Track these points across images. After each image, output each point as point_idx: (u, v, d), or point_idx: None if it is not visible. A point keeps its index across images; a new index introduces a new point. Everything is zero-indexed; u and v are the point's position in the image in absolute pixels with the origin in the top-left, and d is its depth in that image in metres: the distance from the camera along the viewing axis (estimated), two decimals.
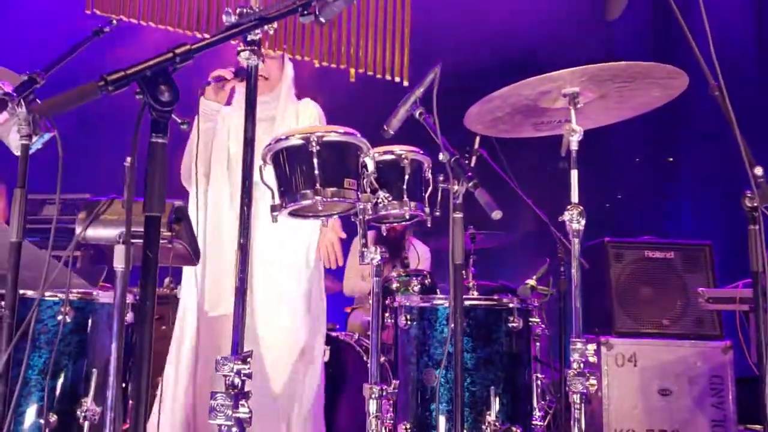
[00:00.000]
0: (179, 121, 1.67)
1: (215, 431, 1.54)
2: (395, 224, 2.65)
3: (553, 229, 3.88)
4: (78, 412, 2.58)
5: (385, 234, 2.69)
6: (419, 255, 4.58)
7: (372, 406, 2.18)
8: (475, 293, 4.02)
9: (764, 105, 5.20)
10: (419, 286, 3.95)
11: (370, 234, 4.06)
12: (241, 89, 3.01)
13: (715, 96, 2.02)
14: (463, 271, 4.37)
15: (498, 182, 4.11)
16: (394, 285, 3.95)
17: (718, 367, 3.84)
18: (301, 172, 2.16)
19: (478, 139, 3.92)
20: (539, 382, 2.76)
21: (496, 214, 1.91)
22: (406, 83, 2.19)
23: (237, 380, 1.52)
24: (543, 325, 2.88)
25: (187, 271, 2.81)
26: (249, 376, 1.53)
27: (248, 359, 1.53)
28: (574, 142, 2.26)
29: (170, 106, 1.31)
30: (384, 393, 2.21)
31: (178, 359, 2.82)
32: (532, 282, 2.90)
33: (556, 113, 2.45)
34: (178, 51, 1.33)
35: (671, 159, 6.37)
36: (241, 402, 1.51)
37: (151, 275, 1.30)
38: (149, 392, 1.29)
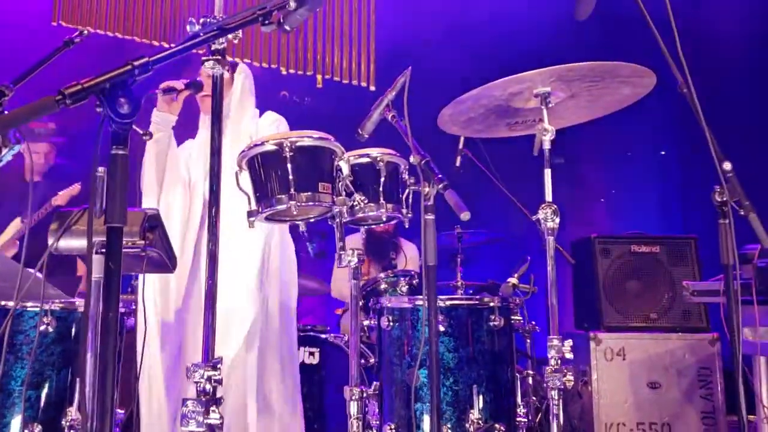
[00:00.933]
0: (141, 132, 1.69)
1: None
2: (377, 226, 2.66)
3: (539, 227, 3.90)
4: (63, 422, 2.59)
5: (367, 235, 2.70)
6: (407, 255, 4.59)
7: (353, 408, 2.19)
8: (461, 293, 4.06)
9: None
10: (407, 286, 3.96)
11: (357, 235, 4.06)
12: (204, 128, 3.12)
13: (683, 93, 2.04)
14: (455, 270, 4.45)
15: (485, 181, 4.14)
16: (382, 286, 3.96)
17: (706, 358, 3.86)
18: (275, 178, 2.17)
19: (462, 138, 3.94)
20: (530, 379, 2.78)
21: (465, 216, 1.93)
22: (372, 88, 2.20)
23: (208, 386, 1.53)
24: (533, 322, 2.89)
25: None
26: (220, 382, 1.55)
27: (219, 366, 1.54)
28: (546, 141, 2.28)
29: (130, 119, 1.32)
30: (364, 395, 2.22)
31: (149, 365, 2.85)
32: (513, 280, 2.91)
33: (529, 113, 2.47)
34: (136, 63, 1.35)
35: (663, 153, 6.38)
36: (212, 408, 1.52)
37: (114, 286, 1.31)
38: (114, 402, 1.31)
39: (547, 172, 2.26)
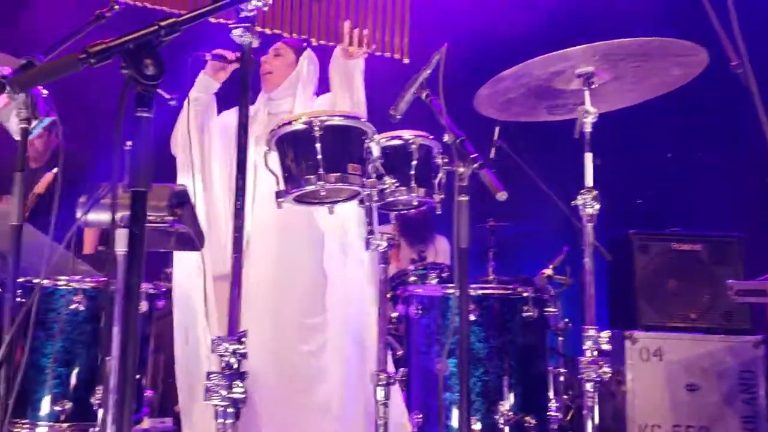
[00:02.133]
0: (167, 96, 1.67)
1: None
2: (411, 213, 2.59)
3: (575, 220, 3.80)
4: (92, 400, 2.60)
5: (401, 225, 2.65)
6: (437, 248, 4.53)
7: (379, 393, 2.14)
8: None
9: None
10: (437, 279, 3.90)
11: (389, 226, 4.01)
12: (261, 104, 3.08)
13: (738, 73, 1.94)
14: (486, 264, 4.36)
15: (519, 173, 4.04)
16: (411, 278, 3.90)
17: (749, 362, 3.71)
18: (304, 158, 2.13)
19: (497, 129, 3.86)
20: (561, 377, 2.70)
21: (501, 195, 1.86)
22: (407, 60, 2.13)
23: (233, 360, 1.50)
24: (566, 319, 2.81)
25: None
26: (244, 356, 1.51)
27: (243, 339, 1.51)
28: (588, 124, 2.20)
29: (155, 80, 1.29)
30: (391, 380, 2.17)
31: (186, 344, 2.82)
32: (548, 271, 2.83)
33: (570, 96, 2.39)
34: (163, 23, 1.31)
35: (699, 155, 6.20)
36: (236, 382, 1.49)
37: (138, 254, 1.28)
38: (135, 373, 1.28)
39: (588, 156, 2.18)
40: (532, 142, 3.96)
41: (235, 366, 1.52)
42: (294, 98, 3.01)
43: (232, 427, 1.51)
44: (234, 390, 1.49)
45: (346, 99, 2.62)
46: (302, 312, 2.89)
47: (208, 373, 1.51)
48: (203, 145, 2.97)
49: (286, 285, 2.90)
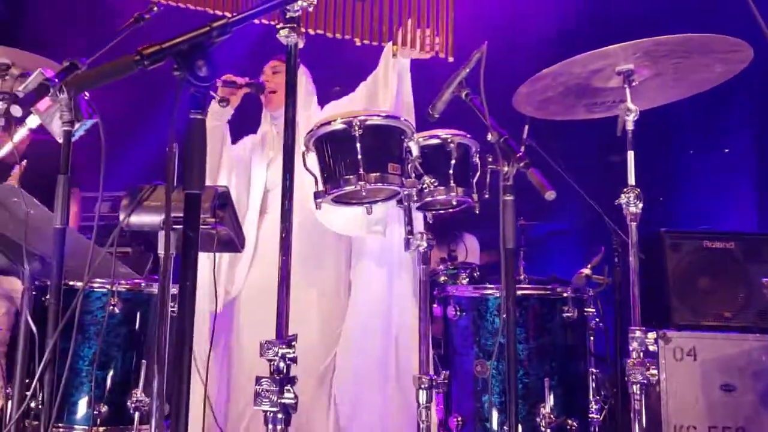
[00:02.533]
0: (218, 98, 1.64)
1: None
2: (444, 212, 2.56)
3: (607, 219, 3.76)
4: (128, 403, 2.60)
5: (431, 222, 2.60)
6: (467, 247, 4.49)
7: (422, 396, 2.11)
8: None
9: None
10: (468, 279, 3.86)
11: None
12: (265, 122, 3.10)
13: None
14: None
15: (548, 171, 4.00)
16: (442, 278, 3.87)
17: None
18: (343, 158, 2.11)
19: (527, 128, 3.81)
20: (593, 376, 2.66)
21: (550, 195, 1.82)
22: (451, 59, 2.10)
23: (282, 365, 1.48)
24: (597, 318, 2.77)
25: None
26: (294, 360, 1.49)
27: (293, 343, 1.48)
28: (629, 121, 2.16)
29: (208, 82, 1.28)
30: (433, 383, 2.14)
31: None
32: (586, 271, 2.79)
33: (610, 93, 2.35)
34: (215, 24, 1.30)
35: (727, 150, 6.11)
36: (286, 387, 1.46)
37: (192, 256, 1.26)
38: (189, 374, 1.26)
39: (630, 155, 2.14)
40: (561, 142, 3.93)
41: (285, 371, 1.49)
42: (305, 111, 2.99)
43: None
44: (285, 395, 1.46)
45: (391, 98, 2.58)
46: (324, 316, 2.88)
47: (258, 378, 1.49)
48: (217, 168, 3.01)
49: (308, 291, 2.88)
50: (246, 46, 4.07)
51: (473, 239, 4.65)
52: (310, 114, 2.97)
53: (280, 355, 1.48)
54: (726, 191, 5.89)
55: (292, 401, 1.46)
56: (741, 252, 3.86)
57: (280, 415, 1.47)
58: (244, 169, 3.13)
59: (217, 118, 2.99)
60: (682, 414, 3.65)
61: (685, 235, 3.94)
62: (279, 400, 1.46)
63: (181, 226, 1.29)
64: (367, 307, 2.83)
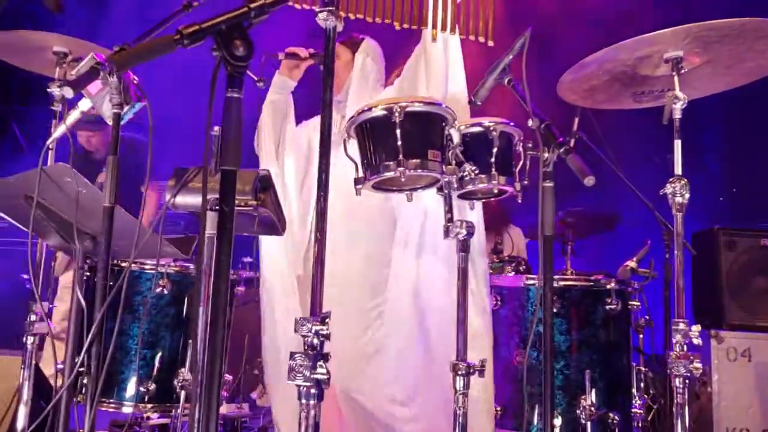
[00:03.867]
0: (255, 78, 1.68)
1: None
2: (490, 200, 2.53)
3: (657, 213, 3.67)
4: (175, 382, 2.68)
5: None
6: (514, 241, 4.45)
7: (459, 383, 2.11)
8: None
9: None
10: (514, 273, 3.83)
11: None
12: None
13: None
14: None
15: (596, 166, 3.93)
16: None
17: None
18: (384, 144, 2.11)
19: (576, 120, 3.76)
20: (642, 375, 2.61)
21: (589, 180, 1.80)
22: (491, 43, 2.09)
23: (315, 341, 1.51)
24: (647, 316, 2.72)
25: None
26: (327, 337, 1.51)
27: (327, 320, 1.51)
28: (677, 110, 2.11)
29: (245, 61, 1.31)
30: (472, 370, 2.13)
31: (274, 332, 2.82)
32: (632, 263, 2.73)
33: (657, 82, 2.30)
34: (252, 5, 1.33)
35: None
36: (319, 363, 1.49)
37: (227, 232, 1.30)
38: (225, 355, 1.29)
39: (677, 144, 2.09)
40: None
41: (318, 347, 1.52)
42: (346, 103, 2.96)
43: (316, 407, 1.51)
44: (317, 370, 1.49)
45: (438, 85, 2.55)
46: (363, 299, 2.86)
47: (292, 353, 1.52)
48: (278, 147, 3.00)
49: (350, 273, 2.87)
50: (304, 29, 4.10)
51: (519, 232, 4.61)
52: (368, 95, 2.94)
53: (314, 331, 1.50)
54: None
55: (325, 377, 1.49)
56: None
57: (313, 390, 1.50)
58: (305, 152, 3.09)
59: (277, 91, 2.97)
60: (735, 416, 3.56)
61: (741, 232, 3.83)
62: (312, 376, 1.48)
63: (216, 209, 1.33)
64: (403, 286, 2.80)
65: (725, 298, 3.75)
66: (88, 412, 1.77)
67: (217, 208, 1.89)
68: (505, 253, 4.26)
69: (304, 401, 1.51)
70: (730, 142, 5.79)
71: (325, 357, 1.51)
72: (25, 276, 4.58)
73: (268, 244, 2.86)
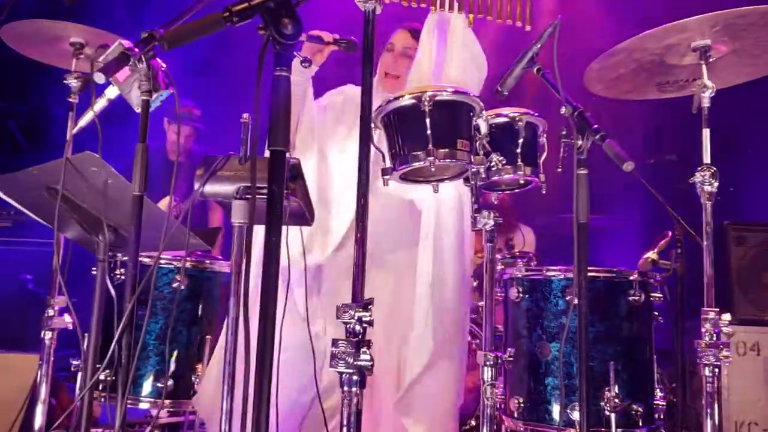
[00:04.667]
0: (301, 58, 1.66)
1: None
2: (506, 192, 2.51)
3: (669, 208, 3.67)
4: (193, 378, 2.64)
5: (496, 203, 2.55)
6: (524, 237, 4.45)
7: (486, 374, 2.09)
8: None
9: None
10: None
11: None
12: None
13: None
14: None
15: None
16: (499, 267, 3.83)
17: None
18: (412, 133, 2.09)
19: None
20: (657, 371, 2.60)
21: (628, 166, 1.79)
22: (528, 28, 2.07)
23: (358, 327, 1.48)
24: (655, 312, 2.71)
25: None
26: (370, 323, 1.49)
27: (369, 306, 1.49)
28: (706, 98, 2.10)
29: (293, 39, 1.28)
30: (499, 361, 2.12)
31: None
32: (653, 255, 2.72)
33: (683, 71, 2.29)
34: None
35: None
36: (363, 350, 1.47)
37: (277, 211, 1.28)
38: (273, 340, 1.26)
39: (705, 132, 2.09)
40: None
41: (361, 334, 1.49)
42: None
43: (358, 395, 1.49)
44: (361, 357, 1.47)
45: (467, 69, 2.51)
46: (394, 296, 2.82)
47: (334, 341, 1.49)
48: (297, 129, 2.91)
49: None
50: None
51: (529, 230, 4.61)
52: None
53: (356, 318, 1.48)
54: None
55: (368, 363, 1.46)
56: None
57: (355, 377, 1.47)
58: (338, 115, 3.00)
59: (298, 74, 2.79)
60: (744, 410, 3.56)
61: (751, 226, 3.84)
62: (355, 362, 1.46)
63: (261, 197, 1.30)
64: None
65: (735, 292, 3.75)
66: (119, 406, 1.74)
67: (247, 196, 1.88)
68: (516, 249, 4.26)
69: (346, 388, 1.49)
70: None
71: (369, 344, 1.49)
72: (28, 276, 4.52)
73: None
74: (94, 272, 2.03)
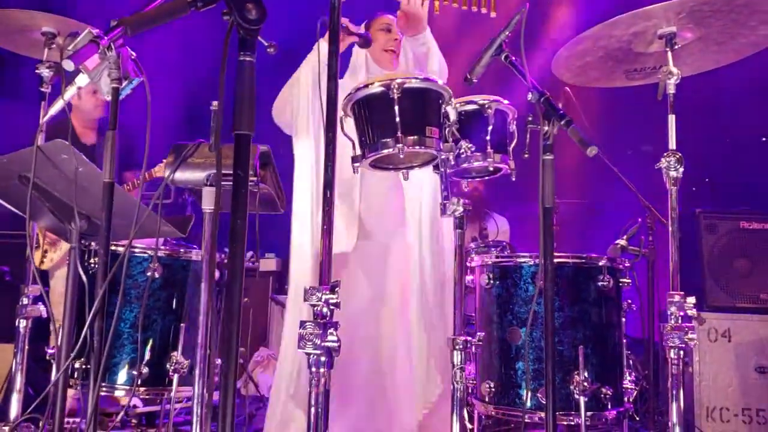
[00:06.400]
0: (266, 44, 1.67)
1: None
2: (477, 180, 2.55)
3: (640, 196, 3.74)
4: (168, 366, 2.65)
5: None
6: (498, 226, 4.48)
7: (456, 357, 2.12)
8: None
9: None
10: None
11: None
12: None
13: None
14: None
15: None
16: (473, 256, 3.87)
17: None
18: (381, 121, 2.11)
19: (560, 105, 3.79)
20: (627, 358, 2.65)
21: (591, 150, 1.82)
22: (493, 14, 2.09)
23: (325, 310, 1.51)
24: (629, 300, 2.76)
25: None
26: (337, 305, 1.51)
27: (336, 288, 1.51)
28: (671, 85, 2.14)
29: (257, 24, 1.30)
30: (468, 344, 2.15)
31: None
32: (622, 242, 2.77)
33: (649, 59, 2.33)
34: None
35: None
36: (330, 331, 1.49)
37: (242, 194, 1.29)
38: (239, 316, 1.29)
39: (671, 118, 2.12)
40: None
41: (328, 315, 1.52)
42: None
43: (326, 375, 1.51)
44: (328, 338, 1.49)
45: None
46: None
47: (302, 322, 1.51)
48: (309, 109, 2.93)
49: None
50: None
51: (504, 220, 4.65)
52: None
53: (323, 300, 1.50)
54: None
55: (335, 344, 1.49)
56: None
57: (323, 358, 1.50)
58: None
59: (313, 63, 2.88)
60: (716, 395, 3.64)
61: (722, 215, 3.90)
62: (322, 343, 1.48)
63: (226, 183, 1.32)
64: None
65: (706, 280, 3.82)
66: (91, 392, 1.75)
67: (214, 183, 1.90)
68: (490, 238, 4.30)
69: (314, 369, 1.51)
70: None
71: (336, 325, 1.51)
72: (5, 268, 4.48)
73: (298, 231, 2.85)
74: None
